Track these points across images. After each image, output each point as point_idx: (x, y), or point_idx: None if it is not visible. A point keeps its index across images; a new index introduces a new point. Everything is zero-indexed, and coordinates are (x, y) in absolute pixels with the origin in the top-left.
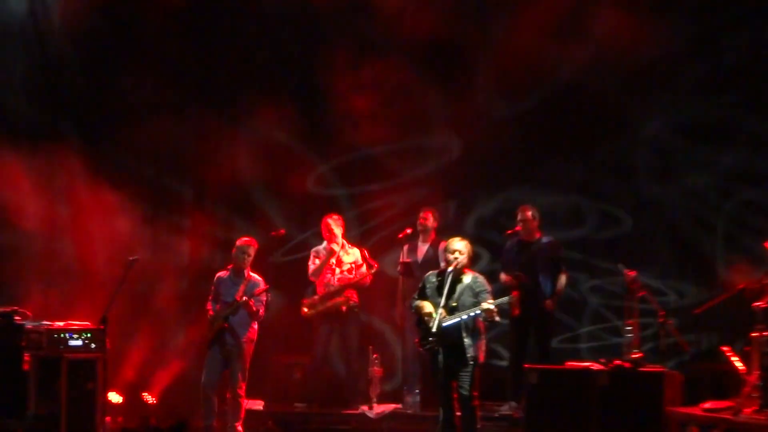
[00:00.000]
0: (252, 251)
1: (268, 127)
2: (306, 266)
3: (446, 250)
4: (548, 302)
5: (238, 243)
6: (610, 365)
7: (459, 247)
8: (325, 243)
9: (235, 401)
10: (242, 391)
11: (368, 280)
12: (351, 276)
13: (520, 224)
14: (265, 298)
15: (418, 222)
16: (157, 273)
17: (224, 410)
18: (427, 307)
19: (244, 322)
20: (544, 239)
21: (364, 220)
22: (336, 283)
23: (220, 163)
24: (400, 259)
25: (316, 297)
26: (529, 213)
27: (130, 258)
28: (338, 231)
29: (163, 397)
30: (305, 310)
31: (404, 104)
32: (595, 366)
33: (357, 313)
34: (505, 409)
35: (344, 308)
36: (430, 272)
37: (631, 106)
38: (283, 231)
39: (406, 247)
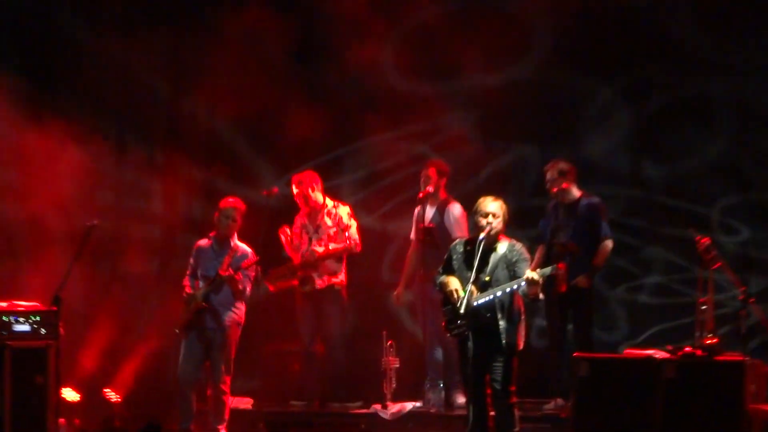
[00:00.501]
0: (237, 215)
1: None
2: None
3: (476, 212)
4: (581, 279)
5: (221, 205)
6: (679, 353)
7: (493, 208)
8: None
9: (217, 399)
10: (226, 387)
11: (357, 247)
12: (333, 246)
13: (549, 183)
14: (254, 274)
15: (421, 180)
16: (123, 236)
17: (205, 410)
18: (453, 283)
19: (227, 302)
20: (584, 200)
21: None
22: (312, 254)
23: (196, 96)
24: (415, 223)
25: (283, 268)
26: (561, 165)
27: (88, 223)
28: (312, 192)
29: (130, 394)
30: (270, 283)
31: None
32: (660, 354)
33: (339, 290)
34: (550, 407)
35: (306, 288)
36: (458, 241)
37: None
38: (276, 189)
39: (417, 210)
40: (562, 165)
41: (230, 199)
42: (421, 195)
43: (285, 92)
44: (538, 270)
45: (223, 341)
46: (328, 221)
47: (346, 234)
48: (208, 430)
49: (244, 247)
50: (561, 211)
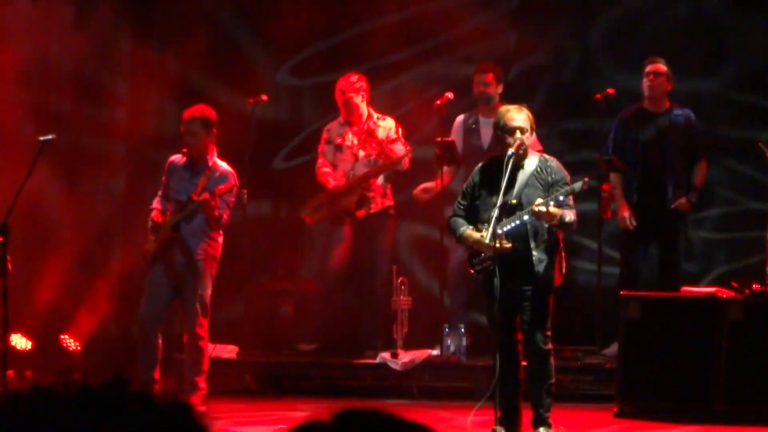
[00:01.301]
0: (202, 128)
1: None
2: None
3: (499, 127)
4: (684, 200)
5: (183, 116)
6: (746, 291)
7: (519, 121)
8: (339, 120)
9: (193, 346)
10: (203, 331)
11: (406, 163)
12: (380, 160)
13: (648, 87)
14: (233, 199)
15: (475, 87)
16: (81, 144)
17: (180, 359)
18: (473, 234)
19: (201, 231)
20: (678, 111)
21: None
22: (359, 171)
23: None
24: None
25: (323, 195)
26: (664, 68)
27: (41, 138)
28: (360, 101)
29: (91, 341)
30: (307, 216)
31: None
32: (724, 292)
33: (392, 215)
34: (603, 355)
35: (361, 212)
36: (480, 165)
37: None
38: (265, 97)
39: (457, 125)
40: (663, 64)
41: (194, 108)
42: (438, 102)
43: None
44: (562, 191)
45: (196, 278)
46: (379, 132)
47: (397, 146)
48: (184, 382)
49: (224, 166)
50: (642, 121)
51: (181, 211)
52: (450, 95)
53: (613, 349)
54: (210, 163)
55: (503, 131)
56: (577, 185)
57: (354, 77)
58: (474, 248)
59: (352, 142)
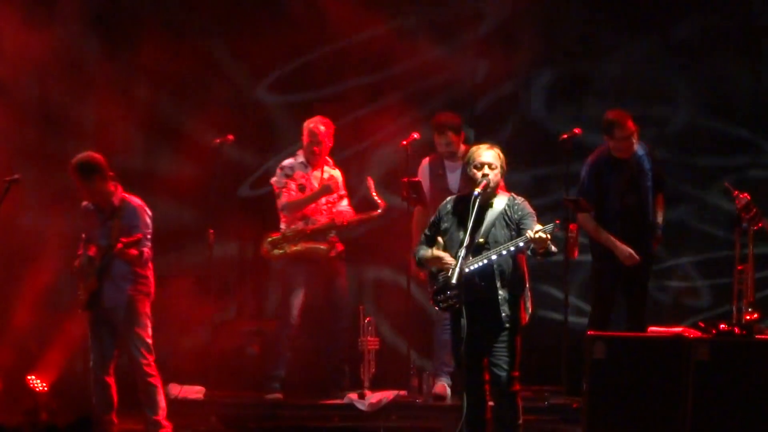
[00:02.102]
0: (83, 180)
1: None
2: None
3: (469, 163)
4: (659, 238)
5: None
6: (713, 331)
7: (488, 158)
8: (298, 159)
9: (145, 385)
10: (151, 369)
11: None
12: (344, 210)
13: (616, 149)
14: (149, 231)
15: (438, 147)
16: (46, 187)
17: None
18: (435, 252)
19: (128, 272)
20: (640, 151)
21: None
22: (320, 219)
23: None
24: (432, 182)
25: (288, 231)
26: (631, 128)
27: (8, 178)
28: (328, 143)
29: (59, 382)
30: (267, 248)
31: None
32: (690, 332)
33: (343, 258)
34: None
35: (332, 253)
36: (448, 198)
37: None
38: (231, 137)
39: (423, 168)
40: (628, 125)
41: (73, 162)
42: (405, 142)
43: None
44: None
45: (132, 318)
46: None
47: (342, 205)
48: (147, 423)
49: (133, 202)
50: (616, 170)
51: (102, 258)
52: (416, 135)
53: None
54: (117, 204)
55: (470, 165)
56: (549, 227)
57: (325, 121)
58: (438, 284)
59: (312, 186)
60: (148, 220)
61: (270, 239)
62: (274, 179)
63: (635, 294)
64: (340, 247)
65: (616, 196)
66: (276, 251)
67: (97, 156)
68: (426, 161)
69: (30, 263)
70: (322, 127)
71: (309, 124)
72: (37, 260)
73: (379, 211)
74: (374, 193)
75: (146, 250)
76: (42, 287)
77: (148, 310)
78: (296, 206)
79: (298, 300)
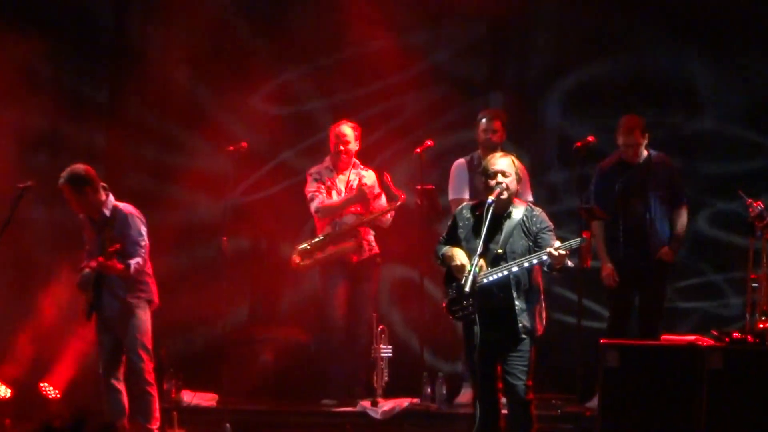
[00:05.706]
0: (71, 194)
1: None
2: (303, 196)
3: (484, 172)
4: (666, 250)
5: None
6: (726, 339)
7: (503, 166)
8: (324, 164)
9: (141, 393)
10: (149, 377)
11: (390, 216)
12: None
13: (624, 146)
14: (141, 238)
15: (481, 133)
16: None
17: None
18: (458, 257)
19: (124, 281)
20: (653, 153)
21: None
22: (349, 220)
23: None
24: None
25: (314, 240)
26: (637, 129)
27: (21, 185)
28: (355, 146)
29: (71, 389)
30: (296, 260)
31: None
32: (704, 341)
33: (378, 263)
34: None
35: (355, 258)
36: (464, 205)
37: None
38: (245, 144)
39: (459, 169)
40: (643, 123)
41: (61, 179)
42: (419, 150)
43: None
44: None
45: (127, 328)
46: (366, 182)
47: (380, 202)
48: (139, 430)
49: (124, 210)
50: (625, 174)
51: (95, 270)
52: (430, 143)
53: (594, 401)
54: (108, 214)
55: (485, 174)
56: (576, 241)
57: (351, 124)
58: (454, 293)
59: (339, 190)
60: (141, 227)
61: (298, 249)
62: (306, 187)
63: (647, 301)
64: (374, 250)
65: (621, 199)
66: (304, 262)
67: (87, 167)
68: (462, 162)
69: (42, 273)
70: (348, 130)
71: (335, 128)
72: (49, 270)
73: (400, 202)
74: (392, 187)
75: (138, 259)
76: (54, 296)
77: (149, 316)
78: (331, 210)
79: (338, 302)
